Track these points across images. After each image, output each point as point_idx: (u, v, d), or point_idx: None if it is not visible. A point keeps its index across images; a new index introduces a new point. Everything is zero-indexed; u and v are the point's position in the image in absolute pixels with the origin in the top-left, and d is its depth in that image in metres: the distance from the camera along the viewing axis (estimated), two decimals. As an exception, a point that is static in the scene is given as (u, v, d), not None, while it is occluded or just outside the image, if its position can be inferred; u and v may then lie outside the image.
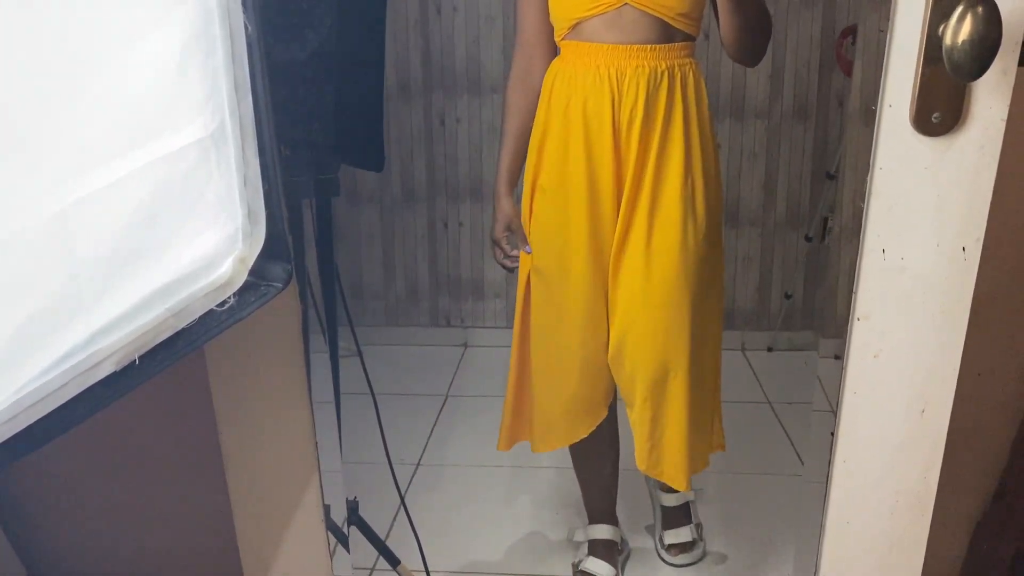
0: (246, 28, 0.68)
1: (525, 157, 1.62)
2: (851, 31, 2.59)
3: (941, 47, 0.80)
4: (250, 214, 0.77)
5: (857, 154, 2.48)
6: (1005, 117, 0.85)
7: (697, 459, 1.64)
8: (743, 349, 3.04)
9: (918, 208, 0.89)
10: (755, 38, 1.49)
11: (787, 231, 2.99)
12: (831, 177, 2.77)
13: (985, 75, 0.79)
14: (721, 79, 2.85)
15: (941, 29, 0.81)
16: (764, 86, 2.87)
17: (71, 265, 0.61)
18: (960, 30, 0.77)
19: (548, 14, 1.55)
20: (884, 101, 0.86)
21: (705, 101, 1.53)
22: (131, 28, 0.61)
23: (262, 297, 0.79)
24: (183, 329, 0.74)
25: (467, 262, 3.14)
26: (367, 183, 3.07)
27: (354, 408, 1.94)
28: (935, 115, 0.85)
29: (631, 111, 1.46)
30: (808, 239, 2.93)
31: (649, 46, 1.45)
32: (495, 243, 1.69)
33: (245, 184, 0.75)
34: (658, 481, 1.90)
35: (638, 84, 1.45)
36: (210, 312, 0.75)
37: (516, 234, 1.64)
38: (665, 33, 1.47)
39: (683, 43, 1.49)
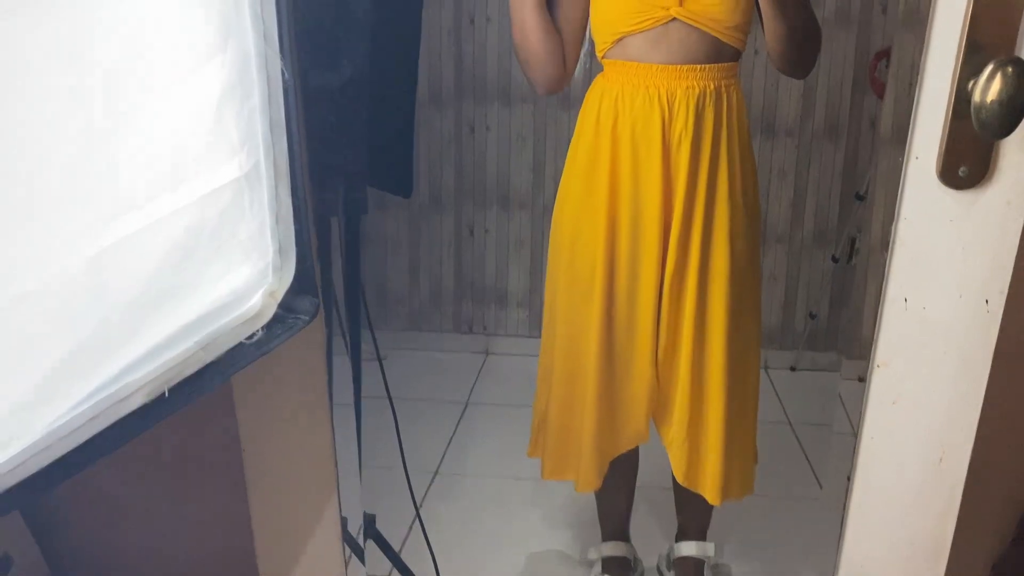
0: (283, 74, 0.70)
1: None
2: (885, 54, 2.57)
3: (970, 103, 0.81)
4: (281, 250, 0.78)
5: (888, 177, 2.46)
6: (1033, 172, 0.85)
7: (734, 479, 1.64)
8: (766, 367, 3.03)
9: (942, 259, 0.89)
10: (802, 47, 1.47)
11: (814, 250, 2.98)
12: (860, 198, 2.75)
13: (1013, 132, 0.79)
14: (753, 96, 2.84)
15: (970, 85, 0.81)
16: (796, 104, 2.85)
17: (104, 308, 0.63)
18: (989, 89, 0.77)
19: (582, 25, 1.54)
20: (911, 153, 0.86)
21: (747, 121, 1.54)
22: (172, 75, 0.63)
23: (289, 329, 0.81)
24: (211, 362, 0.75)
25: (492, 269, 3.16)
26: (395, 189, 3.09)
27: (373, 411, 1.96)
28: (962, 169, 0.85)
29: (680, 132, 1.46)
30: (835, 260, 2.92)
31: (698, 66, 1.45)
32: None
33: (277, 222, 0.76)
34: (677, 532, 1.92)
35: (687, 105, 1.45)
36: (238, 345, 0.77)
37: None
38: (714, 51, 1.46)
39: (730, 63, 1.49)
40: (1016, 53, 0.81)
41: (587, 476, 1.66)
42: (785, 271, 3.01)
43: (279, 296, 0.80)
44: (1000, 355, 0.91)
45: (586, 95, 1.56)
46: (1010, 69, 0.77)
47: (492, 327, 3.20)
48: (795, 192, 2.93)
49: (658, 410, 1.64)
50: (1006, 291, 0.89)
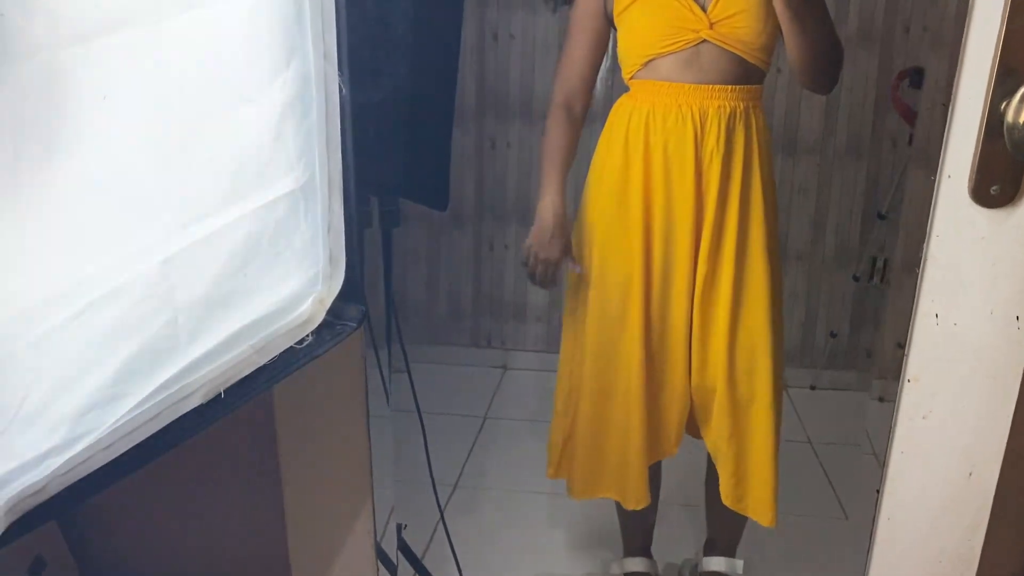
0: (340, 90, 0.73)
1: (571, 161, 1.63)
2: (907, 73, 2.59)
3: (1003, 123, 0.83)
4: (331, 259, 0.81)
5: (915, 196, 2.47)
6: (1065, 192, 0.87)
7: (777, 495, 1.65)
8: (786, 386, 3.02)
9: (973, 276, 0.91)
10: (824, 60, 1.49)
11: (835, 269, 2.98)
12: (882, 217, 2.76)
13: (1046, 153, 0.81)
14: (775, 113, 2.86)
15: (1003, 106, 0.83)
16: (818, 122, 2.87)
17: (170, 310, 0.65)
18: (1022, 111, 0.79)
19: (597, 59, 1.57)
20: (944, 171, 0.88)
21: (770, 138, 1.57)
22: (238, 92, 0.66)
23: (337, 336, 0.83)
24: (264, 365, 0.78)
25: (510, 284, 3.18)
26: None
27: (396, 424, 1.98)
28: (994, 188, 0.87)
29: (712, 149, 1.49)
30: (856, 279, 2.92)
31: (728, 87, 1.48)
32: (543, 261, 1.58)
33: (329, 231, 0.79)
34: (706, 545, 1.92)
35: (719, 123, 1.48)
36: (289, 349, 0.80)
37: (568, 254, 1.59)
38: (742, 72, 1.49)
39: (757, 85, 1.52)
40: (1048, 76, 0.83)
41: (638, 492, 1.67)
42: (806, 289, 3.01)
43: (328, 303, 0.83)
44: (1030, 371, 0.93)
45: (611, 114, 1.59)
46: (1043, 91, 0.79)
47: (510, 342, 3.22)
48: (816, 210, 2.94)
49: (701, 423, 1.65)
50: (1037, 308, 0.91)
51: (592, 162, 1.63)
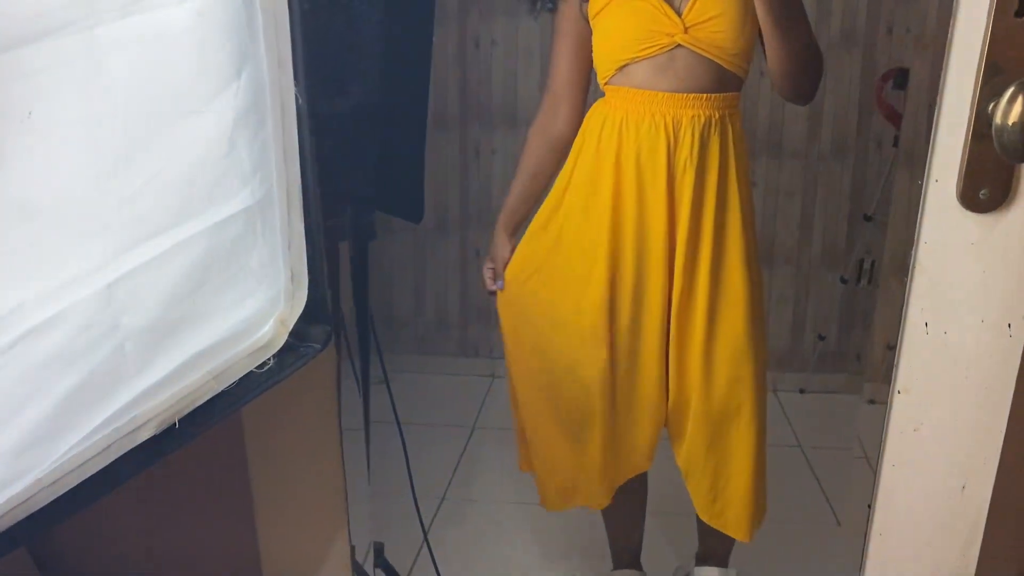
0: (296, 100, 0.69)
1: (533, 202, 1.63)
2: (891, 75, 2.57)
3: (991, 124, 0.80)
4: (293, 277, 0.77)
5: (902, 197, 2.45)
6: (1055, 195, 0.84)
7: (759, 509, 1.62)
8: (775, 390, 3.01)
9: (963, 284, 0.88)
10: (805, 68, 1.46)
11: (822, 272, 2.96)
12: (868, 219, 2.74)
13: (1035, 154, 0.78)
14: (759, 117, 2.84)
15: (991, 107, 0.80)
16: (802, 125, 2.85)
17: (117, 337, 0.62)
18: (1011, 112, 0.76)
19: (583, 64, 1.54)
20: (930, 176, 0.85)
21: (746, 148, 1.53)
22: (186, 104, 0.62)
23: (301, 358, 0.79)
24: (223, 392, 0.74)
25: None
26: (401, 212, 3.09)
27: (379, 436, 1.94)
28: (983, 191, 0.84)
29: (685, 160, 1.45)
30: (843, 281, 2.90)
31: (704, 95, 1.45)
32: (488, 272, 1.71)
33: (289, 249, 0.75)
34: (697, 555, 1.89)
35: (693, 133, 1.45)
36: (250, 374, 0.76)
37: (498, 277, 1.67)
38: (718, 79, 1.46)
39: (734, 93, 1.49)
40: (1036, 75, 0.80)
41: (597, 497, 1.66)
42: (794, 293, 2.99)
43: (291, 324, 0.79)
44: (1023, 381, 0.90)
45: (585, 120, 1.55)
46: (1032, 91, 0.76)
47: (498, 350, 3.17)
48: (803, 213, 2.92)
49: (674, 438, 1.62)
50: (1029, 315, 0.88)
51: (563, 167, 1.59)
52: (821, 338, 2.98)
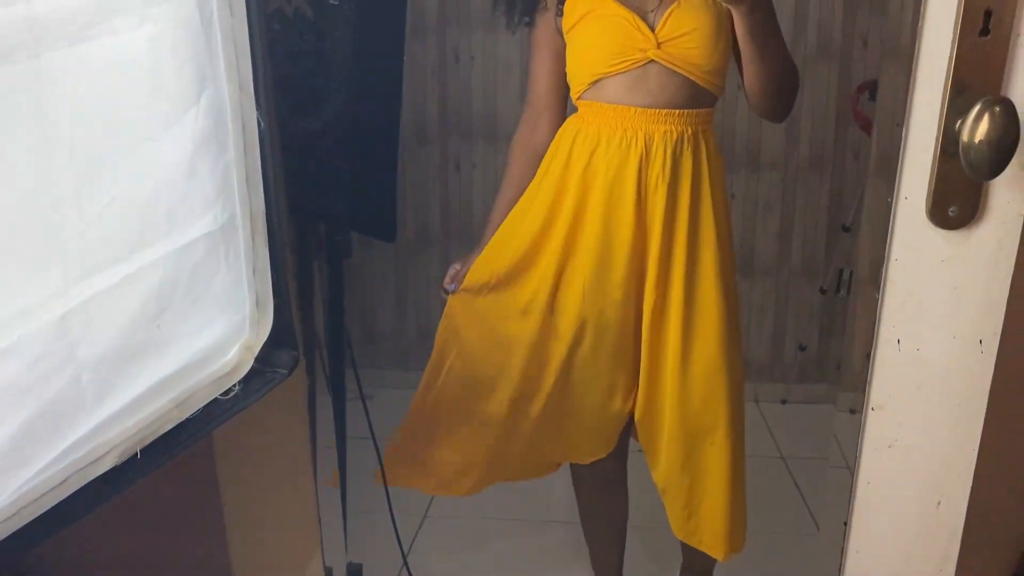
0: (259, 123, 0.68)
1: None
2: (867, 86, 2.59)
3: (958, 142, 0.80)
4: (258, 302, 0.76)
5: (876, 208, 2.47)
6: (1023, 212, 0.84)
7: (737, 525, 1.61)
8: (756, 401, 3.01)
9: (934, 300, 0.88)
10: (781, 88, 1.47)
11: (801, 282, 2.97)
12: (846, 230, 2.75)
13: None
14: (737, 129, 2.85)
15: (958, 124, 0.80)
16: (780, 137, 2.86)
17: (72, 368, 0.60)
18: (977, 130, 0.76)
19: (561, 77, 1.53)
20: (900, 193, 0.85)
21: (723, 167, 1.53)
22: (144, 129, 0.61)
23: (267, 384, 0.78)
24: (186, 420, 0.73)
25: (479, 306, 3.13)
26: (381, 226, 3.08)
27: (359, 452, 1.92)
28: (952, 208, 0.84)
29: (657, 177, 1.45)
30: (823, 291, 2.91)
31: (677, 111, 1.44)
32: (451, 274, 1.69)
33: (254, 273, 0.74)
34: (682, 570, 1.88)
35: (665, 149, 1.44)
36: (214, 401, 0.75)
37: (457, 281, 1.65)
38: (692, 95, 1.45)
39: (707, 109, 1.48)
40: (1003, 93, 0.81)
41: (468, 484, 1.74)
42: (774, 303, 2.99)
43: (256, 350, 0.77)
44: (995, 396, 0.90)
45: (558, 135, 1.54)
46: (998, 109, 0.76)
47: (480, 364, 3.16)
48: (781, 224, 2.93)
49: (648, 455, 1.62)
50: (999, 332, 0.88)
51: (532, 179, 1.59)
52: (802, 348, 2.98)
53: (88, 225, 0.58)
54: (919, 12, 0.82)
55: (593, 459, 1.68)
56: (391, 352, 3.17)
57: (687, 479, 1.57)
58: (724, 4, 1.33)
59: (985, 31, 0.80)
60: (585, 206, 1.48)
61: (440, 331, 1.69)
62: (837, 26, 2.78)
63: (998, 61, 0.80)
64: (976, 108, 0.77)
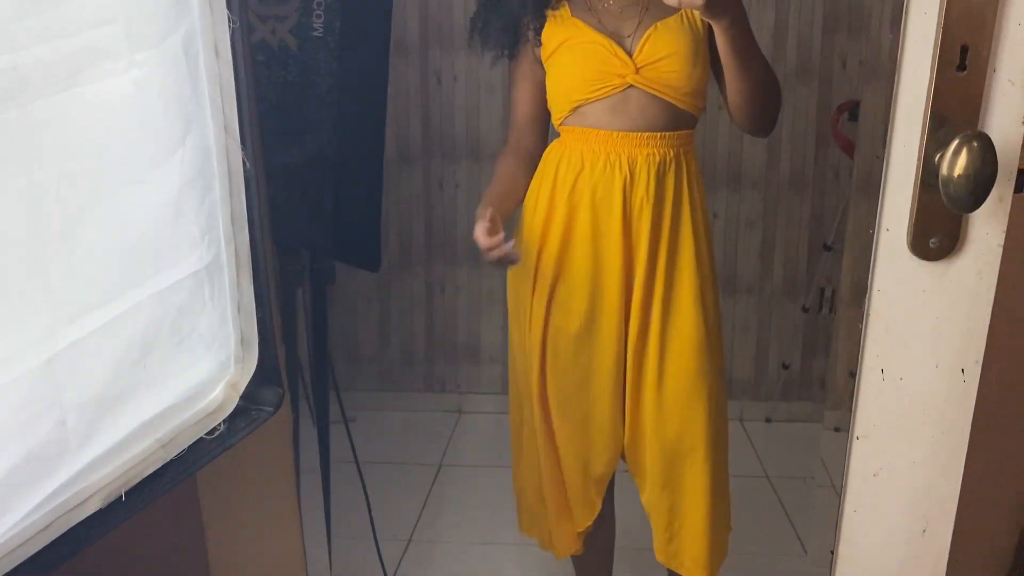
0: (244, 164, 0.68)
1: (502, 209, 1.55)
2: (846, 107, 2.62)
3: (938, 175, 0.81)
4: (243, 340, 0.76)
5: (859, 227, 2.49)
6: (1002, 243, 0.85)
7: (717, 549, 1.61)
8: (741, 419, 3.02)
9: (916, 330, 0.89)
10: (764, 102, 1.47)
11: (784, 301, 2.99)
12: (828, 249, 2.77)
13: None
14: (718, 149, 2.88)
15: (938, 157, 0.81)
16: (761, 157, 2.89)
17: (58, 413, 0.60)
18: (956, 164, 0.77)
19: (541, 104, 1.54)
20: (881, 224, 0.86)
21: (703, 188, 1.54)
22: (130, 173, 0.61)
23: (252, 422, 0.77)
24: (172, 460, 0.72)
25: (463, 326, 3.13)
26: (365, 248, 3.08)
27: (343, 476, 1.91)
28: (932, 240, 0.85)
29: (642, 199, 1.46)
30: (805, 310, 2.93)
31: (658, 134, 1.45)
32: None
33: (239, 311, 0.74)
34: None
35: (648, 170, 1.45)
36: (199, 441, 0.74)
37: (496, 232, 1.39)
38: (672, 118, 1.46)
39: (688, 131, 1.50)
40: (980, 126, 0.82)
41: (560, 542, 1.66)
42: (756, 322, 3.01)
43: (241, 387, 0.77)
44: (978, 424, 0.90)
45: (542, 160, 1.54)
46: (975, 144, 0.77)
47: (465, 384, 3.16)
48: (763, 243, 2.95)
49: (636, 477, 1.62)
50: (981, 360, 0.89)
51: (523, 207, 1.59)
52: (785, 367, 3.00)
53: (75, 268, 0.58)
54: (898, 34, 0.83)
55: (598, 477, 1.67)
56: (374, 373, 3.15)
57: (667, 501, 1.57)
58: (704, 18, 1.33)
59: (962, 66, 0.81)
60: (573, 230, 1.49)
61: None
62: (816, 47, 2.82)
63: (975, 95, 0.81)
64: (955, 143, 0.78)
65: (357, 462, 1.91)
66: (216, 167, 0.67)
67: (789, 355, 3.00)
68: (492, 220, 1.34)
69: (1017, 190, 0.84)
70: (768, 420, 3.02)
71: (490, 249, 1.33)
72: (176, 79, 0.61)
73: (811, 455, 2.70)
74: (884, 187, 0.86)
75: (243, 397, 0.77)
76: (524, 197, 1.58)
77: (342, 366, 2.93)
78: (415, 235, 3.05)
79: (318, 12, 1.01)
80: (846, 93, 2.80)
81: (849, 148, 2.64)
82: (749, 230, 2.94)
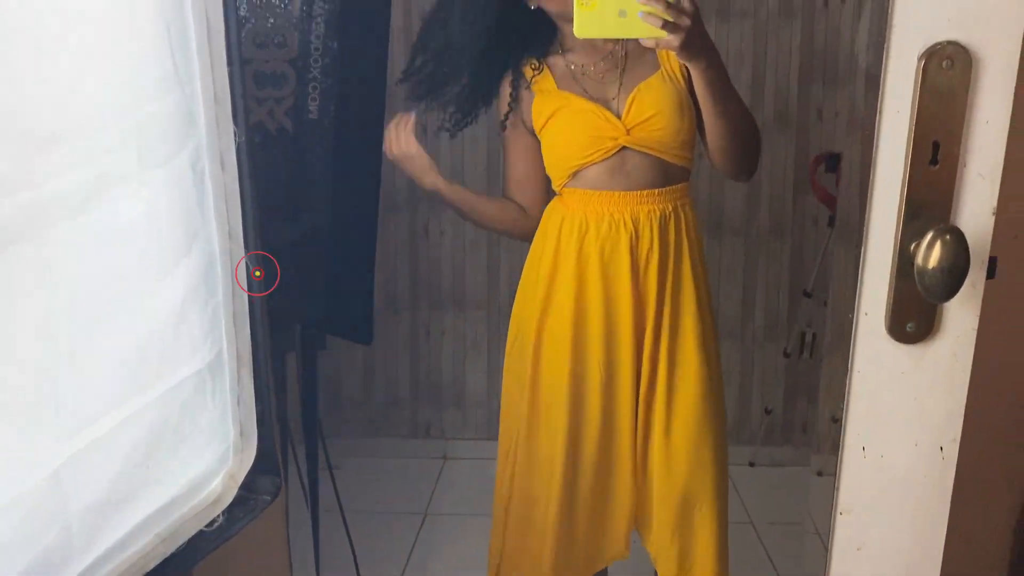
0: (247, 267, 0.70)
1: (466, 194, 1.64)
2: (822, 159, 2.68)
3: (913, 264, 0.84)
4: (242, 432, 0.77)
5: (839, 274, 2.54)
6: (976, 327, 0.88)
7: None
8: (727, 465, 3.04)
9: (896, 409, 0.91)
10: (744, 142, 1.51)
11: (766, 345, 3.03)
12: (808, 295, 2.82)
13: (956, 293, 0.83)
14: (699, 197, 2.92)
15: (913, 247, 0.85)
16: (741, 205, 2.94)
17: (63, 520, 0.61)
18: (930, 256, 0.81)
19: (535, 168, 1.57)
20: (860, 309, 0.89)
21: (702, 237, 1.59)
22: (138, 285, 0.63)
23: (251, 512, 0.79)
24: (171, 554, 0.73)
25: (448, 371, 3.14)
26: (350, 294, 3.09)
27: (329, 525, 1.90)
28: (909, 325, 0.88)
29: (647, 252, 1.50)
30: (787, 355, 2.97)
31: (657, 190, 1.50)
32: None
33: (239, 405, 0.75)
34: None
35: (651, 226, 1.50)
36: (199, 533, 0.75)
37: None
38: (667, 173, 1.51)
39: (683, 184, 1.54)
40: (953, 218, 0.86)
41: None
42: (739, 366, 3.04)
43: (240, 478, 0.78)
44: (957, 501, 0.93)
45: (542, 221, 1.58)
46: (948, 238, 0.81)
47: (450, 430, 3.16)
48: (744, 289, 3.00)
49: (642, 527, 1.63)
50: (959, 439, 0.92)
51: (525, 267, 1.62)
52: (768, 411, 3.03)
53: (83, 381, 0.60)
54: (874, 92, 0.86)
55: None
56: (359, 419, 3.15)
57: (677, 546, 1.59)
58: (681, 60, 1.36)
59: (934, 161, 0.85)
60: (585, 290, 1.52)
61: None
62: (793, 98, 2.89)
63: (947, 188, 0.85)
64: (929, 236, 0.81)
65: (342, 512, 1.90)
66: (220, 272, 0.69)
67: (771, 399, 3.03)
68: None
69: (990, 276, 0.88)
70: (752, 464, 3.04)
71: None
72: (183, 193, 0.63)
73: (795, 499, 2.72)
74: (862, 274, 0.89)
75: (241, 487, 0.79)
76: (496, 224, 1.64)
77: (327, 413, 2.93)
78: (400, 280, 3.07)
79: (313, 96, 1.04)
80: (822, 143, 2.87)
81: (826, 198, 2.70)
82: (731, 276, 2.99)
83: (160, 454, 0.69)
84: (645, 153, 1.48)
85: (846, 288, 0.94)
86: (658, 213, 1.50)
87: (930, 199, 0.85)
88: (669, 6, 1.20)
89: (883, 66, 0.85)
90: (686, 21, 1.23)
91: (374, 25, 1.24)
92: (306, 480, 1.44)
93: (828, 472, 1.04)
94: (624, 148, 1.48)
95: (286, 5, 1.04)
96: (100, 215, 0.56)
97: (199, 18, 0.64)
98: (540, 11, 1.49)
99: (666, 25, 1.21)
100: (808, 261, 2.94)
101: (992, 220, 0.86)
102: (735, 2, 2.84)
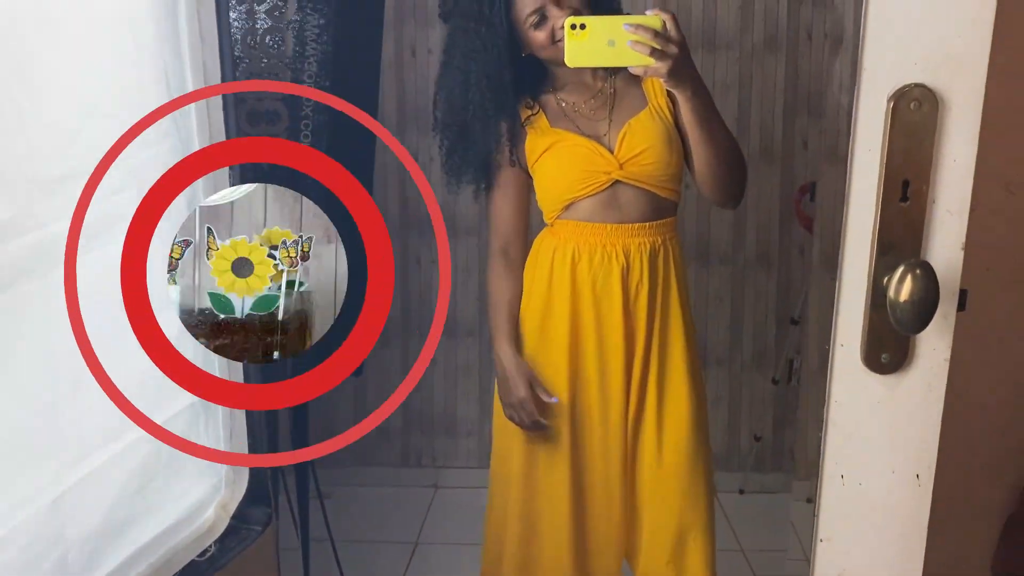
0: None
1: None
2: (807, 188, 2.73)
3: (886, 296, 0.87)
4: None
5: (820, 302, 2.57)
6: (948, 357, 0.91)
7: None
8: (715, 491, 3.04)
9: (873, 438, 0.94)
10: (730, 167, 1.54)
11: (754, 373, 3.05)
12: (795, 323, 2.85)
13: (928, 324, 0.86)
14: (687, 226, 2.96)
15: (885, 280, 0.88)
16: (728, 235, 2.98)
17: (60, 549, 0.62)
18: (902, 290, 0.84)
19: (523, 209, 1.60)
20: (836, 340, 0.92)
21: (686, 269, 1.63)
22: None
23: (243, 541, 0.80)
24: (164, 584, 0.75)
25: (440, 399, 3.15)
26: (341, 323, 3.10)
27: (319, 554, 1.90)
28: (884, 356, 0.91)
29: (638, 283, 1.54)
30: (775, 382, 2.99)
31: (647, 224, 1.54)
32: (518, 406, 1.58)
33: (231, 436, 0.77)
34: None
35: (642, 258, 1.53)
36: (191, 564, 0.77)
37: (538, 385, 1.58)
38: (657, 207, 1.55)
39: (672, 218, 1.59)
40: (923, 253, 0.89)
41: None
42: (728, 393, 3.07)
43: (232, 508, 0.80)
44: (933, 527, 0.95)
45: (533, 251, 1.61)
46: (919, 272, 0.84)
47: (441, 459, 3.17)
48: (732, 317, 3.03)
49: (631, 557, 1.65)
50: (934, 466, 0.94)
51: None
52: (757, 438, 3.04)
53: (84, 413, 0.62)
54: (852, 118, 0.89)
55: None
56: (349, 448, 3.14)
57: (672, 573, 1.61)
58: (668, 87, 1.39)
59: (904, 198, 0.88)
60: (579, 321, 1.55)
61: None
62: (778, 129, 2.94)
63: (918, 224, 0.88)
64: (900, 270, 0.85)
65: (332, 541, 1.91)
66: (214, 307, 0.71)
67: (761, 427, 3.05)
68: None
69: (960, 308, 0.91)
70: (741, 491, 3.05)
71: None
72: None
73: (785, 527, 2.73)
74: (837, 306, 0.92)
75: (233, 517, 0.80)
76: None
77: (317, 440, 2.93)
78: (391, 310, 3.09)
79: (305, 132, 1.07)
80: (807, 173, 2.92)
81: (811, 227, 2.74)
82: (718, 304, 3.02)
83: (154, 485, 0.71)
84: (637, 187, 1.52)
85: (825, 318, 0.96)
86: (648, 246, 1.54)
87: (901, 235, 0.88)
88: (657, 35, 1.24)
89: (854, 106, 0.88)
90: (673, 49, 1.27)
91: (365, 63, 1.27)
92: (296, 509, 1.45)
93: (816, 499, 1.06)
94: (617, 182, 1.52)
95: (279, 46, 1.08)
96: (101, 254, 0.59)
97: (196, 64, 0.67)
98: (531, 56, 1.54)
99: (654, 53, 1.25)
100: (795, 289, 2.97)
101: (961, 254, 0.89)
102: (721, 34, 2.91)
